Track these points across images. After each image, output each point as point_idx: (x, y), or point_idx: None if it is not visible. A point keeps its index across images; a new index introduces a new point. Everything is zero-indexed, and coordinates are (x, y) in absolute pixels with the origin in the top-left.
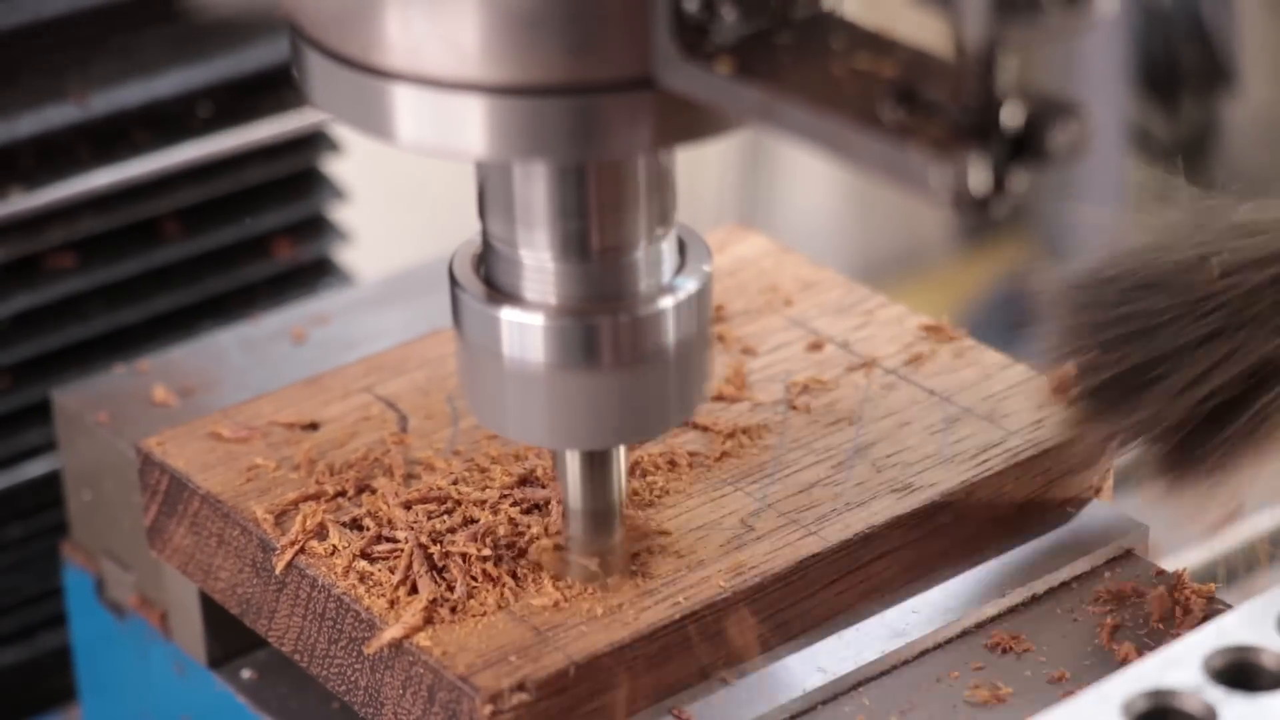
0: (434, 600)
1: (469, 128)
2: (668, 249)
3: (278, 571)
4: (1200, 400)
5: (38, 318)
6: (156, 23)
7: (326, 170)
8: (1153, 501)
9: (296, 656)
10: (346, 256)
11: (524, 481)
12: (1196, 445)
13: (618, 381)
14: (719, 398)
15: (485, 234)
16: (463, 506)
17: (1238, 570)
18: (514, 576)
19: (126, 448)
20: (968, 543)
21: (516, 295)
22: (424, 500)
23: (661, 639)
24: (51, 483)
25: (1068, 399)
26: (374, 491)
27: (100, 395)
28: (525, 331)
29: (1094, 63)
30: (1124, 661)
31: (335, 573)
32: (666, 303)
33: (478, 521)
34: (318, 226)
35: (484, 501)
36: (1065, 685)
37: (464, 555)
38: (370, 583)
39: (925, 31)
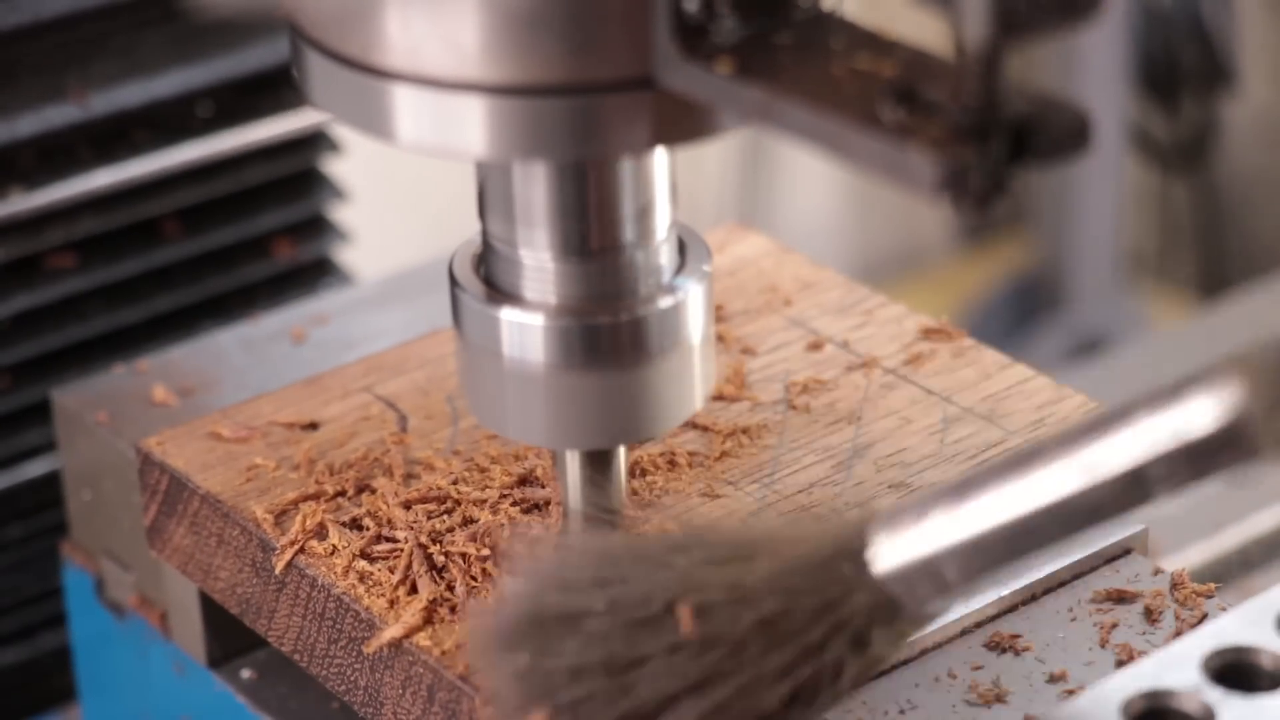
0: (434, 600)
1: (469, 128)
2: (668, 249)
3: (277, 571)
4: None
5: (38, 318)
6: (156, 23)
7: (326, 170)
8: None
9: (296, 656)
10: (346, 256)
11: (524, 481)
12: None
13: (618, 381)
14: (719, 397)
15: (485, 234)
16: (462, 506)
17: (1236, 570)
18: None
19: (126, 448)
20: None
21: (516, 295)
22: (424, 500)
23: None
24: (51, 483)
25: None
26: (374, 491)
27: (100, 395)
28: (525, 331)
29: (1094, 63)
30: (1123, 661)
31: (335, 572)
32: (667, 303)
33: (477, 521)
34: (318, 226)
35: (484, 501)
36: (1065, 684)
37: (464, 555)
38: (370, 582)
39: (925, 31)
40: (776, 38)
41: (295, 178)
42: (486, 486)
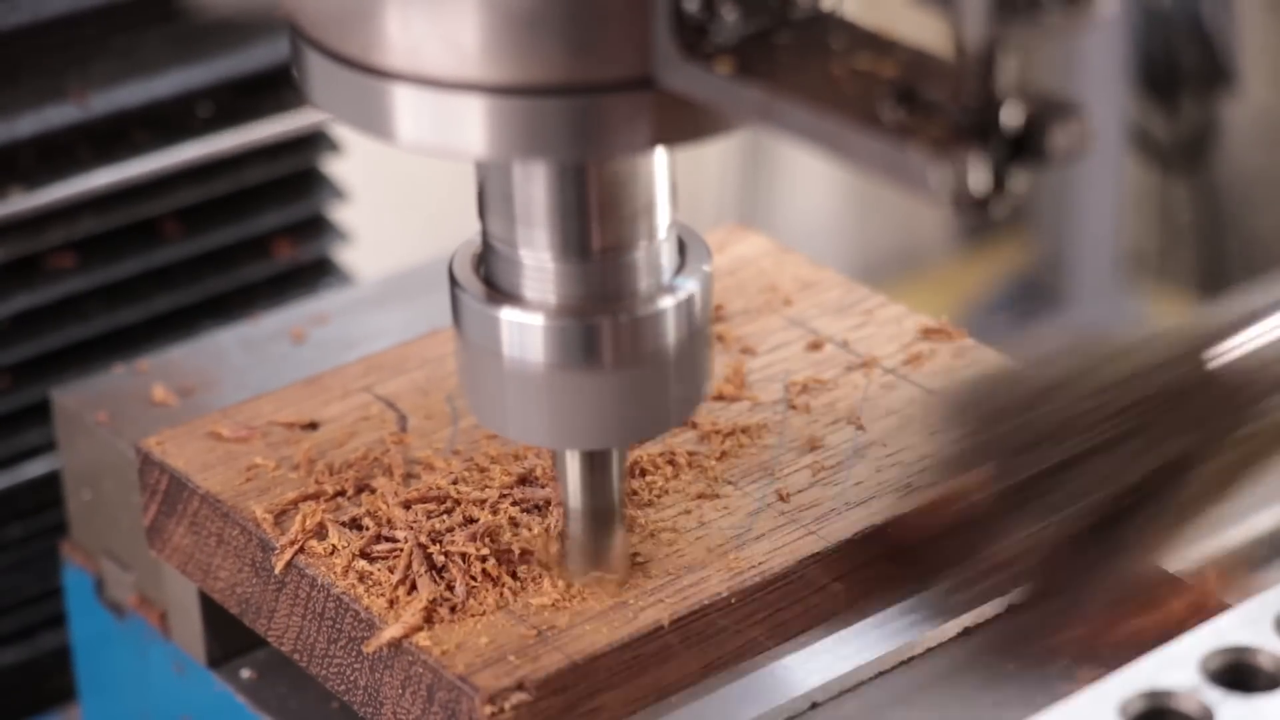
0: (433, 600)
1: (469, 128)
2: (668, 249)
3: (277, 571)
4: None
5: (38, 318)
6: (156, 23)
7: (326, 170)
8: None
9: (296, 656)
10: (346, 256)
11: (523, 481)
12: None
13: (618, 381)
14: (718, 397)
15: (485, 234)
16: (462, 506)
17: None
18: (513, 576)
19: (126, 447)
20: None
21: (516, 295)
22: (423, 500)
23: (661, 638)
24: (51, 483)
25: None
26: (373, 491)
27: (100, 395)
28: (525, 331)
29: (1094, 63)
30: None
31: (334, 572)
32: (666, 303)
33: (477, 521)
34: (318, 226)
35: (483, 501)
36: (1065, 684)
37: (463, 555)
38: (369, 582)
39: (925, 31)
40: (776, 38)
41: (295, 178)
42: (486, 486)
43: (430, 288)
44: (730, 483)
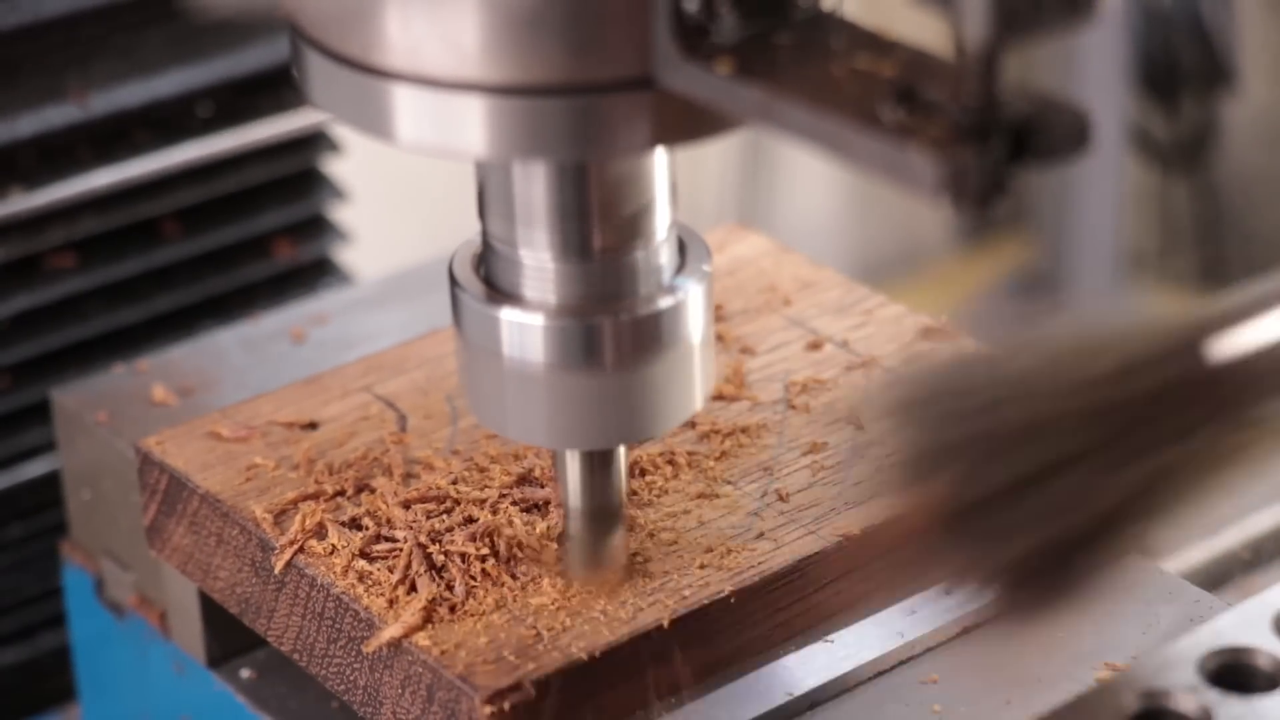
0: (433, 599)
1: (469, 128)
2: (668, 249)
3: (277, 571)
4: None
5: (38, 318)
6: (156, 23)
7: (326, 170)
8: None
9: (295, 656)
10: (346, 256)
11: (523, 481)
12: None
13: (618, 381)
14: (718, 397)
15: (485, 234)
16: (462, 506)
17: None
18: (513, 576)
19: (126, 447)
20: None
21: (516, 295)
22: (423, 500)
23: (660, 638)
24: (51, 483)
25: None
26: (373, 491)
27: (100, 395)
28: (525, 331)
29: (1094, 63)
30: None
31: (334, 572)
32: (666, 303)
33: (477, 521)
34: (318, 226)
35: (483, 501)
36: (1061, 685)
37: (463, 555)
38: (369, 582)
39: (925, 31)
40: (776, 38)
41: (295, 178)
42: (486, 486)
43: (430, 288)
44: (730, 482)
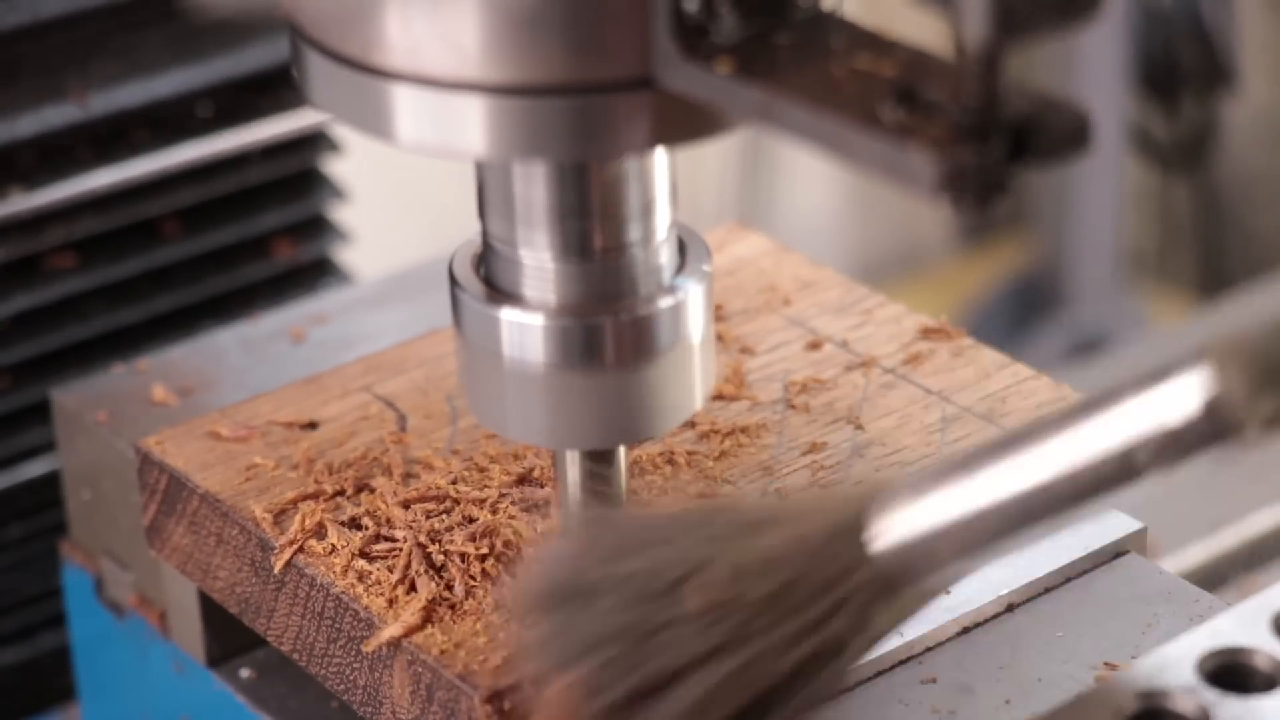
0: (433, 599)
1: (469, 128)
2: (668, 249)
3: (276, 570)
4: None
5: (38, 318)
6: (156, 23)
7: (326, 170)
8: None
9: (295, 656)
10: (346, 256)
11: (523, 481)
12: None
13: (618, 381)
14: (718, 397)
15: (485, 234)
16: (461, 506)
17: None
18: (513, 576)
19: (125, 447)
20: None
21: (516, 295)
22: (423, 499)
23: None
24: (51, 483)
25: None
26: (373, 490)
27: (100, 395)
28: (525, 331)
29: (1094, 63)
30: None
31: (334, 572)
32: (667, 303)
33: (476, 521)
34: (318, 226)
35: (483, 501)
36: (1061, 685)
37: (463, 554)
38: (369, 582)
39: (925, 31)
40: (776, 38)
41: (295, 178)
42: (485, 486)
43: (430, 288)
44: (729, 482)
